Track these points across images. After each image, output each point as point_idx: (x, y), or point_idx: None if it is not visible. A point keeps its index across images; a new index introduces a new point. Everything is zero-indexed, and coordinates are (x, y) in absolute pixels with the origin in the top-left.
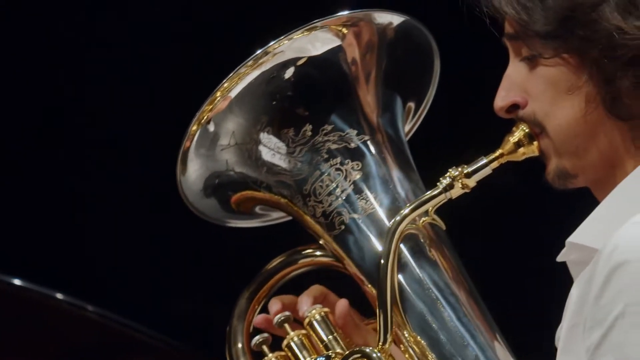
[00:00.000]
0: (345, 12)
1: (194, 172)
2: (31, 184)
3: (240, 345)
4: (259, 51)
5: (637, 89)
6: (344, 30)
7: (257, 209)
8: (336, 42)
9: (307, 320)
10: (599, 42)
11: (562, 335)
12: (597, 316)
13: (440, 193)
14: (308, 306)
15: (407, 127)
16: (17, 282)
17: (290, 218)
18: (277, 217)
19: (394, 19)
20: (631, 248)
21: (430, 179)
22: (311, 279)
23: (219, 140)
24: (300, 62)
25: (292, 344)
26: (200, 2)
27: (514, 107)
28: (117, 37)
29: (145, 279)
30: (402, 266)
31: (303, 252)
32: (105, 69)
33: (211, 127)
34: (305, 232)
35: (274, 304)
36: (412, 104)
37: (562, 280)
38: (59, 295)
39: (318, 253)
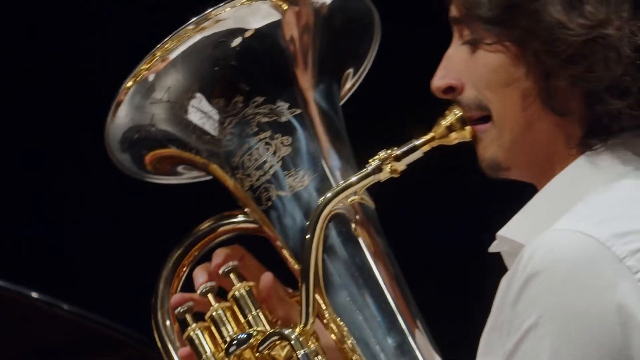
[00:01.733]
0: None
1: (121, 123)
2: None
3: (166, 308)
4: (200, 15)
5: (574, 87)
6: (284, 6)
7: (180, 169)
8: (276, 17)
9: (230, 293)
10: (540, 34)
11: (483, 335)
12: (513, 323)
13: (368, 175)
14: (220, 260)
15: (344, 90)
16: None
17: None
18: (196, 175)
19: None
20: (547, 258)
21: (365, 156)
22: (240, 244)
23: (153, 93)
24: (240, 33)
25: (215, 316)
26: None
27: (451, 89)
28: None
29: (119, 277)
30: (327, 248)
31: (232, 217)
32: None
33: (146, 81)
34: None
35: (199, 275)
36: (350, 70)
37: (492, 268)
38: (34, 294)
39: (244, 219)
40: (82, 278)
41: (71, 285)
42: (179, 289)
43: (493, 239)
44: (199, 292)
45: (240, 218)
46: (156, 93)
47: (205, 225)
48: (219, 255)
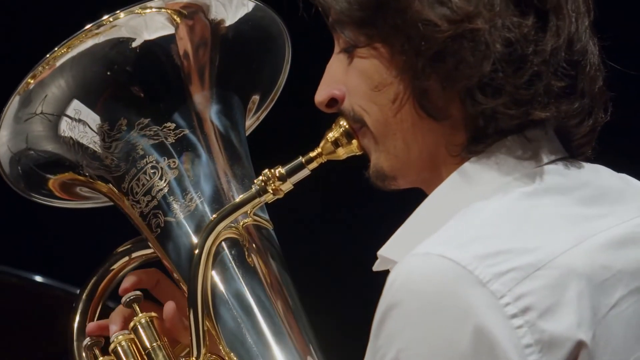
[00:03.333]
0: None
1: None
2: None
3: (81, 343)
4: (89, 25)
5: (447, 89)
6: (178, 19)
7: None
8: (169, 30)
9: (132, 324)
10: (406, 33)
11: None
12: (375, 358)
13: (253, 197)
14: (127, 285)
15: (252, 121)
16: (38, 279)
17: None
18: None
19: (238, 5)
20: (404, 286)
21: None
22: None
23: (29, 109)
24: (130, 45)
25: (119, 349)
26: None
27: (334, 101)
28: None
29: None
30: (218, 275)
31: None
32: None
33: (29, 96)
34: None
35: (114, 323)
36: (257, 96)
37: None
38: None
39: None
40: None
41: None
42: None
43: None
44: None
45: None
46: (32, 107)
47: (118, 251)
48: (130, 277)
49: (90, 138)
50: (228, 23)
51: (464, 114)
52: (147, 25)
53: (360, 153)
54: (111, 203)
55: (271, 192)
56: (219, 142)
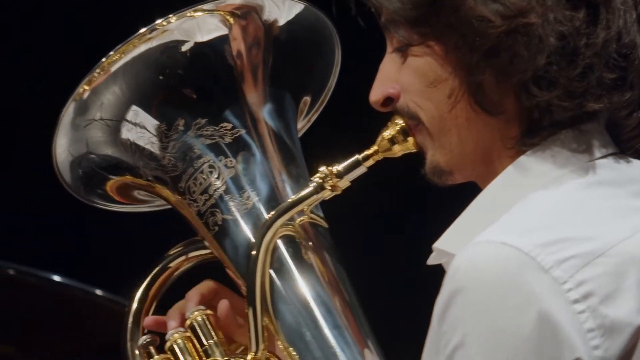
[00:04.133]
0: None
1: (66, 156)
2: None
3: (136, 343)
4: (143, 29)
5: (501, 83)
6: (231, 20)
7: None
8: (223, 31)
9: (188, 322)
10: (460, 29)
11: (423, 356)
12: (440, 343)
13: (310, 195)
14: (193, 305)
15: (303, 123)
16: (56, 278)
17: None
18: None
19: (289, 6)
20: (469, 273)
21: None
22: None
23: (87, 114)
24: (183, 48)
25: (175, 347)
26: None
27: (389, 100)
28: None
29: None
30: (275, 271)
31: (199, 243)
32: None
33: (87, 103)
34: None
35: (172, 319)
36: (308, 98)
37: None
38: (98, 292)
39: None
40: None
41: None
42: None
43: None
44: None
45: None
46: (91, 113)
47: (172, 252)
48: (190, 299)
49: (147, 139)
50: (280, 24)
51: (518, 108)
52: (200, 27)
53: (415, 150)
54: (166, 205)
55: (329, 188)
56: (273, 141)
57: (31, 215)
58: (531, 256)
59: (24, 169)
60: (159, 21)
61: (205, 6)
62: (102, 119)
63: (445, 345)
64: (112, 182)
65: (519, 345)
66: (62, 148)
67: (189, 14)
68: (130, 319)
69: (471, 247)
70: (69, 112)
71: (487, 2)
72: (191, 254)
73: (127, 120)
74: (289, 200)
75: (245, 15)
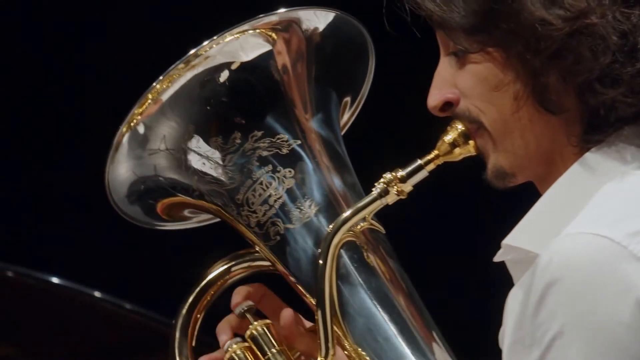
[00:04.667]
0: (277, 11)
1: (121, 175)
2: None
3: (185, 355)
4: (190, 52)
5: (565, 83)
6: (274, 35)
7: (187, 212)
8: (266, 47)
9: (248, 332)
10: (522, 35)
11: (505, 350)
12: (535, 335)
13: (374, 200)
14: (239, 299)
15: (345, 119)
16: (54, 280)
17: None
18: (207, 218)
19: (324, 15)
20: (564, 264)
21: (370, 179)
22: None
23: (149, 144)
24: (230, 68)
25: (235, 357)
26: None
27: (448, 104)
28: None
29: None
30: (340, 276)
31: (246, 256)
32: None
33: (141, 130)
34: None
35: (222, 333)
36: (348, 98)
37: (502, 277)
38: (97, 294)
39: (256, 257)
40: (144, 278)
41: (135, 285)
42: (195, 333)
43: (498, 247)
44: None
45: (256, 256)
46: (152, 143)
47: (217, 266)
48: (238, 293)
49: (204, 153)
50: (319, 32)
51: (579, 106)
52: (243, 47)
53: (475, 154)
54: (212, 219)
55: (395, 193)
56: (326, 150)
57: (28, 216)
58: (623, 245)
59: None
60: (205, 43)
61: (244, 27)
62: (168, 149)
63: (542, 336)
64: (163, 202)
65: (618, 332)
66: (120, 172)
67: (228, 39)
68: (177, 334)
69: (562, 240)
70: (124, 138)
71: (547, 5)
72: (234, 268)
73: (185, 143)
74: (354, 206)
75: (287, 28)
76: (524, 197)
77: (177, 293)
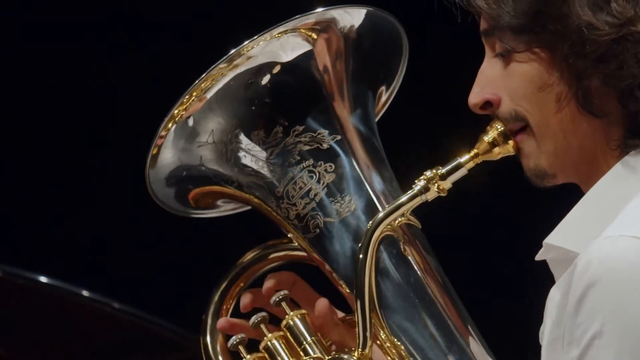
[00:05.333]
0: (314, 11)
1: (165, 161)
2: (49, 182)
3: (217, 344)
4: (232, 51)
5: (608, 87)
6: (314, 35)
7: (219, 202)
8: (307, 47)
9: (284, 322)
10: (569, 37)
11: (544, 347)
12: (575, 334)
13: (415, 196)
14: (271, 284)
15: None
16: (42, 279)
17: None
18: (232, 207)
19: (360, 13)
20: (604, 265)
21: (402, 175)
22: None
23: (198, 136)
24: (272, 68)
25: (270, 346)
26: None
27: (488, 104)
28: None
29: (170, 276)
30: (379, 269)
31: (277, 246)
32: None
33: (190, 123)
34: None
35: (246, 298)
36: (382, 88)
37: (541, 275)
38: (85, 292)
39: (290, 247)
40: (133, 277)
41: (123, 284)
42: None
43: (539, 246)
44: (251, 323)
45: (286, 246)
46: (201, 136)
47: (250, 255)
48: (271, 279)
49: (245, 145)
50: (355, 29)
51: (621, 111)
52: (284, 46)
53: (514, 154)
54: (236, 210)
55: (436, 190)
56: (365, 146)
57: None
58: None
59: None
60: (245, 43)
61: (285, 27)
62: (210, 142)
63: (581, 336)
64: (199, 190)
65: None
66: (165, 162)
67: (269, 38)
68: (210, 320)
69: (602, 242)
70: (172, 129)
71: (595, 10)
72: (271, 256)
73: (229, 137)
74: (396, 201)
75: (326, 28)
76: (565, 195)
77: (168, 292)
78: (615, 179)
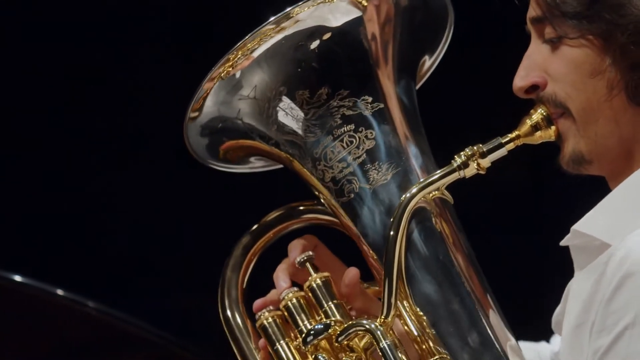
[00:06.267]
0: None
1: (206, 109)
2: (25, 179)
3: (233, 296)
4: (279, 14)
5: None
6: (364, 2)
7: (252, 158)
8: (357, 13)
9: (307, 284)
10: (626, 27)
11: (568, 331)
12: (607, 322)
13: (453, 171)
14: (296, 254)
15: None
16: (17, 278)
17: (279, 166)
18: (262, 165)
19: None
20: None
21: (438, 153)
22: (309, 234)
23: (240, 90)
24: (321, 32)
25: (290, 306)
26: None
27: (534, 87)
28: None
29: (144, 274)
30: (409, 241)
31: (300, 208)
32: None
33: (237, 76)
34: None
35: (281, 279)
36: (425, 58)
37: (558, 260)
38: (60, 291)
39: (316, 210)
40: (111, 276)
41: (96, 282)
42: (247, 277)
43: (567, 232)
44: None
45: (311, 208)
46: (244, 90)
47: (274, 215)
48: (294, 248)
49: (287, 104)
50: None
51: None
52: (334, 11)
53: (554, 139)
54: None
55: (476, 167)
56: (406, 117)
57: None
58: None
59: None
60: (291, 8)
61: None
62: (252, 97)
63: (613, 324)
64: (233, 142)
65: None
66: (207, 110)
67: (320, 1)
68: (229, 272)
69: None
70: (216, 81)
71: None
72: (292, 220)
73: (272, 93)
74: (434, 175)
75: None
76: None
77: (139, 292)
78: None
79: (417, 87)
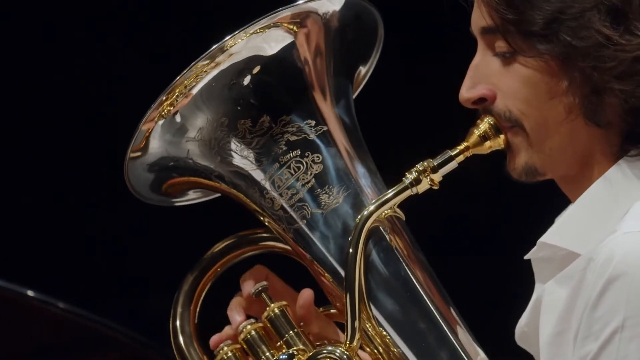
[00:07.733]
0: (289, 6)
1: (151, 149)
2: None
3: (187, 332)
4: (214, 47)
5: (626, 104)
6: (295, 28)
7: (190, 192)
8: (289, 39)
9: (265, 314)
10: (586, 50)
11: (546, 341)
12: (593, 327)
13: (406, 188)
14: (251, 284)
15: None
16: None
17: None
18: (199, 196)
19: (338, 1)
20: (626, 261)
21: (384, 169)
22: (257, 263)
23: (186, 131)
24: (253, 65)
25: (249, 338)
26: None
27: (482, 99)
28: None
29: (115, 275)
30: (367, 260)
31: (249, 236)
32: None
33: (178, 118)
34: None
35: (236, 314)
36: (361, 68)
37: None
38: (30, 292)
39: (265, 236)
40: (77, 276)
41: (67, 283)
42: (197, 310)
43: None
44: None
45: (259, 236)
46: (189, 132)
47: (222, 244)
48: (246, 280)
49: (230, 134)
50: (335, 17)
51: (623, 120)
52: (267, 40)
53: (503, 148)
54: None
55: (429, 183)
56: (349, 138)
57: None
58: None
59: None
60: (227, 38)
61: (263, 22)
62: (196, 138)
63: (600, 330)
64: (174, 181)
65: None
66: (150, 152)
67: (252, 32)
68: (179, 309)
69: (620, 238)
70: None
71: (615, 26)
72: (246, 246)
73: (213, 125)
74: (387, 194)
75: (305, 20)
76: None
77: (113, 292)
78: (614, 180)
79: (354, 95)
